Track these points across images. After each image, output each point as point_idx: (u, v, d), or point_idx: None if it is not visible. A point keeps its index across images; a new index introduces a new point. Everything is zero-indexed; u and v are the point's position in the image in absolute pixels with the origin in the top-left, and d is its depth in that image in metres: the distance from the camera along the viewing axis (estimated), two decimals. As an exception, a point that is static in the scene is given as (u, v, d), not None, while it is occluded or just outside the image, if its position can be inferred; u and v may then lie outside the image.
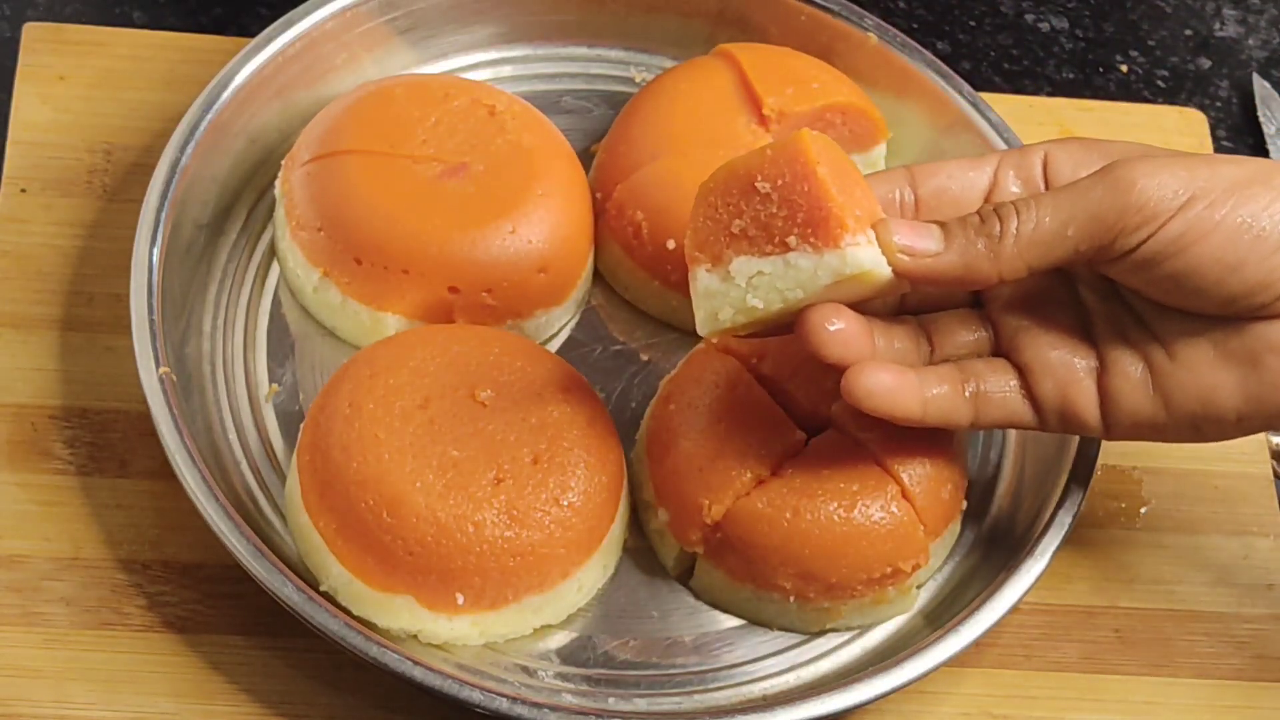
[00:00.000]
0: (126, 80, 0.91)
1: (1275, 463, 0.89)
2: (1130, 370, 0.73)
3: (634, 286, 0.88)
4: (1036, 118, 0.98)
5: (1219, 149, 1.02)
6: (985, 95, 0.93)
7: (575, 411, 0.78)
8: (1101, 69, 1.06)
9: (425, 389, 0.78)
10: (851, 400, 0.70)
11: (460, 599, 0.75)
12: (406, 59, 0.92)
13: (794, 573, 0.77)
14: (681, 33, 0.95)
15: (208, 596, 0.78)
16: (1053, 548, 0.78)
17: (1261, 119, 1.04)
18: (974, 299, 0.76)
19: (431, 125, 0.85)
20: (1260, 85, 1.06)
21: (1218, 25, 1.09)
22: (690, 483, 0.78)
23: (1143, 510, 0.87)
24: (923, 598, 0.81)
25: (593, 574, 0.79)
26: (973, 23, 1.07)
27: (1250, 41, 1.09)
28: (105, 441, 0.81)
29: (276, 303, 0.86)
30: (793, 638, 0.80)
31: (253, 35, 0.87)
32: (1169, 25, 1.09)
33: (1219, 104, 1.06)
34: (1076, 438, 0.81)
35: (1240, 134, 1.04)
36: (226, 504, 0.74)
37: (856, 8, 0.93)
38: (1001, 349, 0.75)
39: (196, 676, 0.76)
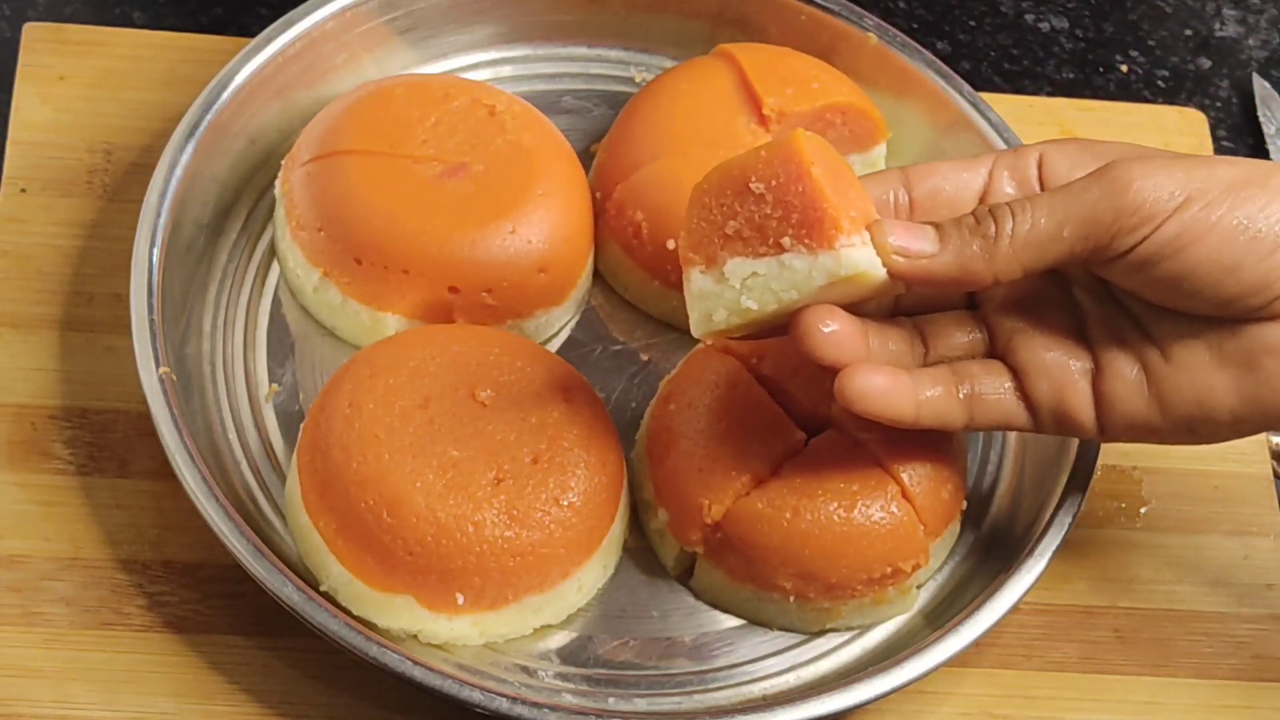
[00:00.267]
0: (126, 80, 0.91)
1: (1275, 463, 0.89)
2: (1126, 372, 0.72)
3: (634, 286, 0.88)
4: (1036, 118, 0.98)
5: (1219, 149, 1.02)
6: (985, 95, 0.93)
7: (575, 411, 0.78)
8: (1101, 69, 1.06)
9: (425, 389, 0.78)
10: (844, 402, 0.70)
11: (460, 599, 0.75)
12: (406, 59, 0.92)
13: (794, 573, 0.77)
14: (681, 33, 0.95)
15: (208, 596, 0.78)
16: (1053, 548, 0.78)
17: (1261, 119, 1.04)
18: (969, 300, 0.76)
19: (431, 125, 0.85)
20: (1260, 85, 1.06)
21: (1218, 25, 1.09)
22: (690, 483, 0.78)
23: (1143, 510, 0.87)
24: (923, 598, 0.81)
25: (593, 574, 0.79)
26: (973, 23, 1.07)
27: (1250, 41, 1.09)
28: (105, 441, 0.81)
29: (276, 303, 0.86)
30: (793, 638, 0.80)
31: (253, 35, 0.87)
32: (1169, 25, 1.09)
33: (1219, 104, 1.06)
34: (1077, 438, 0.81)
35: (1240, 134, 1.04)
36: (226, 504, 0.74)
37: (856, 8, 0.93)
38: (996, 351, 0.75)
39: (196, 676, 0.76)
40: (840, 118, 0.89)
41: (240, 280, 0.86)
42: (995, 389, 0.73)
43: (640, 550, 0.81)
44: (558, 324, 0.87)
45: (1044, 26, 1.08)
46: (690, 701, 0.77)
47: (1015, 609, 0.77)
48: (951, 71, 0.92)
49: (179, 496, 0.75)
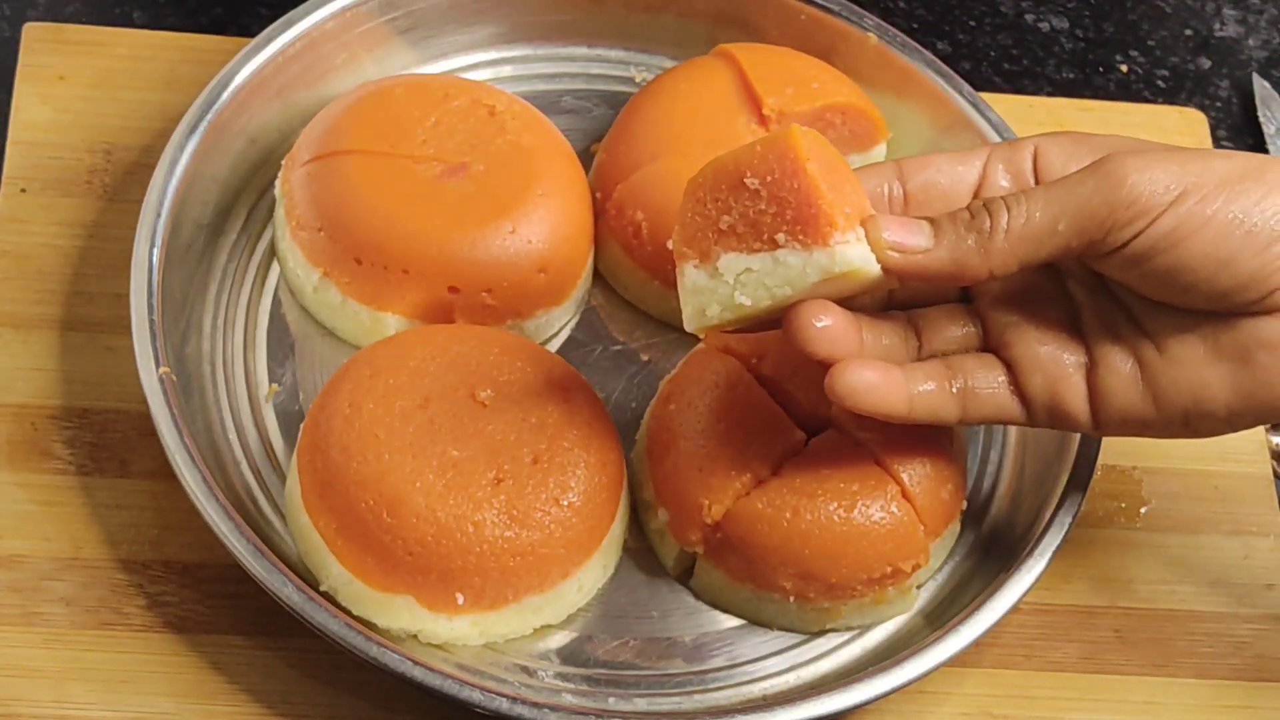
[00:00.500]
0: (126, 80, 0.91)
1: (1275, 463, 0.89)
2: (1120, 366, 0.72)
3: (634, 286, 0.88)
4: (1036, 118, 0.98)
5: (1219, 149, 1.02)
6: (985, 95, 0.93)
7: (575, 411, 0.78)
8: (1101, 69, 1.06)
9: (425, 389, 0.78)
10: (834, 398, 0.70)
11: (460, 599, 0.75)
12: (406, 59, 0.92)
13: (794, 573, 0.77)
14: (681, 33, 0.95)
15: (208, 596, 0.78)
16: (1053, 548, 0.78)
17: (1261, 119, 1.04)
18: (963, 294, 0.76)
19: (431, 125, 0.85)
20: (1260, 85, 1.06)
21: (1218, 25, 1.09)
22: (690, 483, 0.78)
23: (1143, 510, 0.87)
24: (923, 598, 0.81)
25: (593, 574, 0.79)
26: (973, 23, 1.07)
27: (1250, 41, 1.09)
28: (105, 441, 0.81)
29: (276, 303, 0.86)
30: (793, 638, 0.80)
31: (253, 35, 0.87)
32: (1169, 25, 1.09)
33: (1219, 104, 1.06)
34: (1077, 437, 0.81)
35: (1240, 134, 1.04)
36: (226, 504, 0.74)
37: (856, 8, 0.93)
38: (990, 344, 0.74)
39: (196, 676, 0.76)
40: (840, 118, 0.89)
41: (240, 280, 0.86)
42: (989, 383, 0.73)
43: (640, 550, 0.81)
44: (558, 324, 0.87)
45: (1044, 26, 1.08)
46: (690, 701, 0.77)
47: (1015, 609, 0.77)
48: (951, 71, 0.92)
49: (179, 496, 0.75)
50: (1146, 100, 1.05)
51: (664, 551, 0.81)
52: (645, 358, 0.87)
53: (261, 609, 0.76)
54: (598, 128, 0.93)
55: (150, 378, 0.77)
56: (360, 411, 0.76)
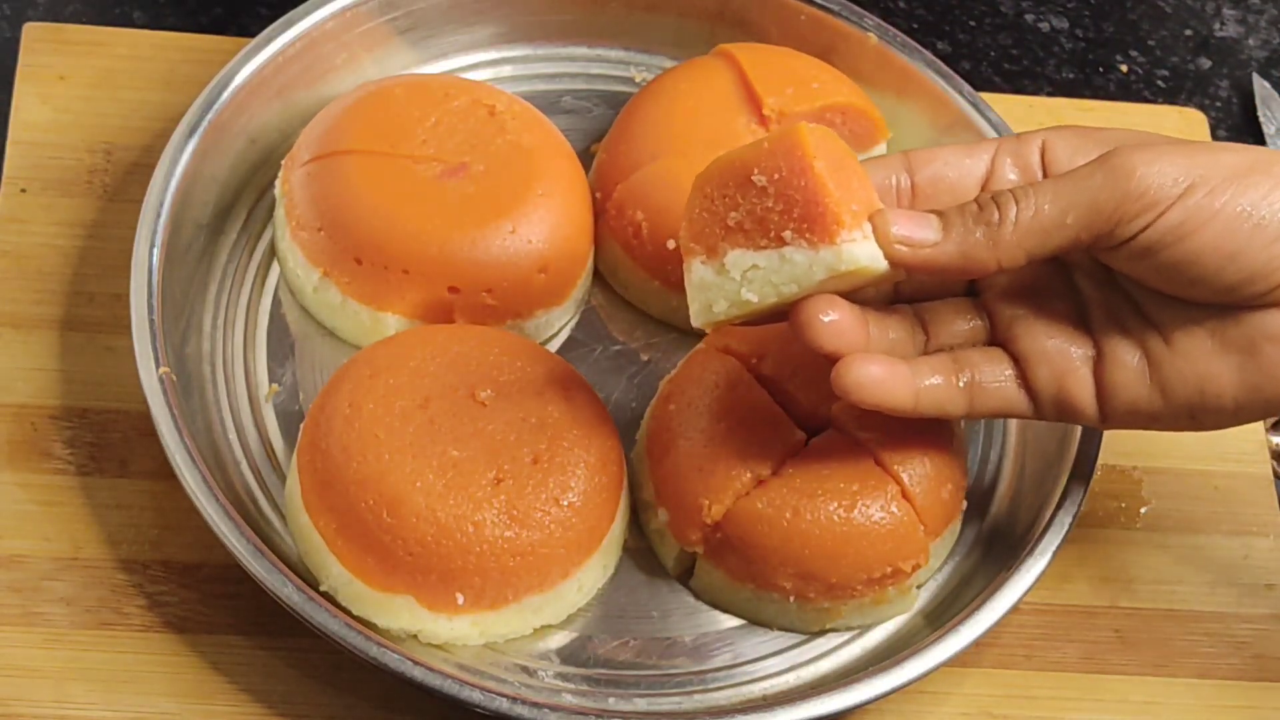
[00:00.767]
0: (126, 80, 0.91)
1: (1275, 463, 0.89)
2: (1127, 359, 0.72)
3: (634, 286, 0.88)
4: (1036, 118, 0.98)
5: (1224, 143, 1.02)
6: (985, 95, 0.93)
7: (575, 411, 0.78)
8: (1101, 69, 1.06)
9: (425, 389, 0.78)
10: (841, 393, 0.70)
11: (460, 599, 0.75)
12: (406, 59, 0.92)
13: (794, 573, 0.77)
14: (681, 33, 0.95)
15: (208, 596, 0.78)
16: (1053, 547, 0.78)
17: (1261, 119, 1.04)
18: (969, 288, 0.76)
19: (431, 125, 0.85)
20: (1260, 85, 1.06)
21: (1218, 25, 1.09)
22: (690, 483, 0.78)
23: (1143, 510, 0.87)
24: (923, 598, 0.81)
25: (593, 574, 0.79)
26: (973, 23, 1.07)
27: (1250, 41, 1.09)
28: (105, 441, 0.81)
29: (276, 303, 0.86)
30: (793, 638, 0.80)
31: (253, 35, 0.87)
32: (1169, 25, 1.09)
33: (1219, 104, 1.06)
34: (1077, 437, 0.81)
35: (1240, 134, 1.04)
36: (226, 504, 0.74)
37: (856, 8, 0.93)
38: (997, 338, 0.74)
39: (196, 676, 0.76)
40: (840, 118, 0.89)
41: (240, 280, 0.86)
42: (996, 377, 0.73)
43: (640, 550, 0.81)
44: (558, 324, 0.87)
45: (1044, 26, 1.08)
46: (690, 701, 0.77)
47: (1015, 609, 0.77)
48: (951, 71, 0.92)
49: (179, 496, 0.75)
50: (1146, 100, 1.05)
51: (664, 551, 0.81)
52: (645, 358, 0.87)
53: (261, 609, 0.76)
54: (598, 128, 0.93)
55: (150, 378, 0.77)
56: (360, 411, 0.76)
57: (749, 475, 0.77)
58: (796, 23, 0.93)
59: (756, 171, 0.69)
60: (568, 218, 0.85)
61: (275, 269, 0.86)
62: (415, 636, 0.76)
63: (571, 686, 0.77)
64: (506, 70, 0.94)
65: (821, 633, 0.80)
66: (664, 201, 0.84)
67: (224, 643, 0.77)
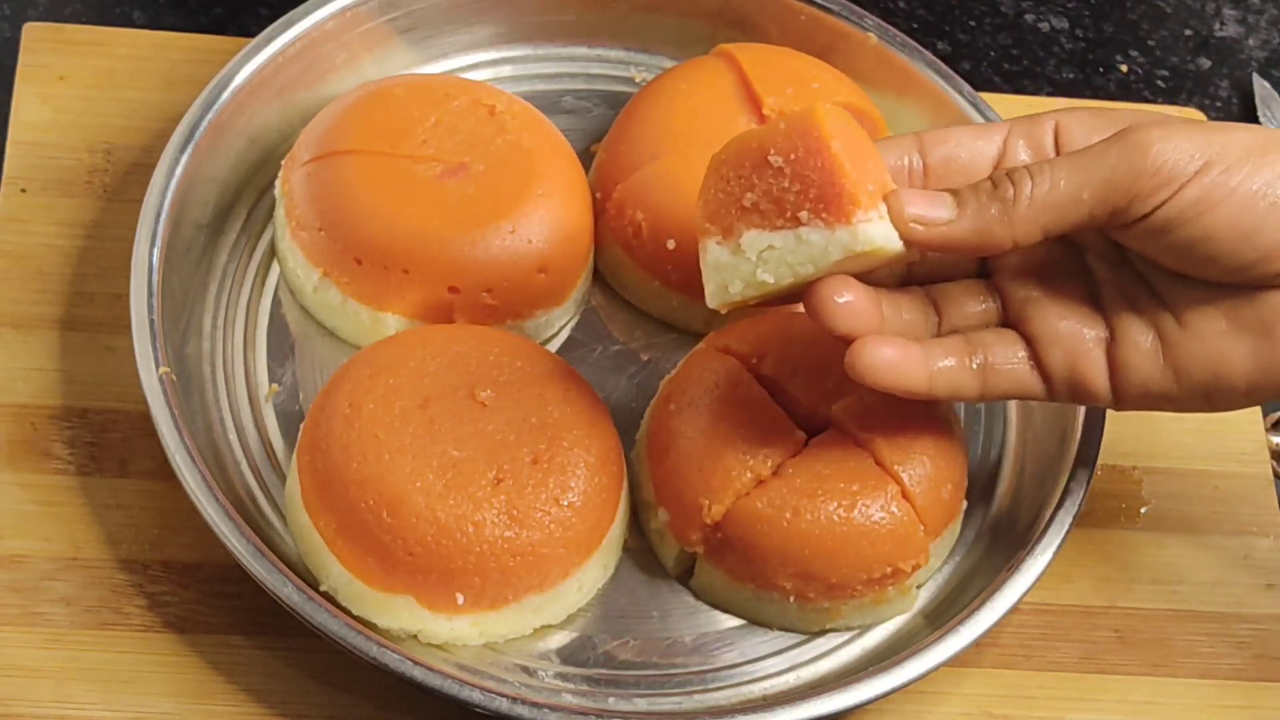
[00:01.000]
0: (126, 80, 0.91)
1: (1275, 463, 0.89)
2: (1140, 340, 0.72)
3: (634, 286, 0.88)
4: (1036, 118, 0.98)
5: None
6: (985, 95, 0.93)
7: (575, 411, 0.78)
8: (1101, 69, 1.06)
9: (425, 389, 0.78)
10: (854, 376, 0.70)
11: (460, 599, 0.75)
12: (406, 59, 0.92)
13: (794, 573, 0.77)
14: (681, 33, 0.95)
15: (208, 596, 0.78)
16: (1053, 547, 0.78)
17: (1261, 119, 1.04)
18: (981, 269, 0.76)
19: (431, 125, 0.85)
20: (1260, 85, 1.06)
21: (1218, 25, 1.09)
22: (690, 483, 0.78)
23: (1143, 510, 0.87)
24: (923, 598, 0.81)
25: (593, 574, 0.79)
26: (973, 23, 1.07)
27: (1250, 41, 1.09)
28: (105, 441, 0.81)
29: (276, 303, 0.86)
30: (793, 638, 0.80)
31: (253, 35, 0.87)
32: (1169, 25, 1.09)
33: (1219, 104, 1.06)
34: (1077, 436, 0.81)
35: (1240, 134, 1.04)
36: (226, 504, 0.74)
37: (856, 8, 0.93)
38: (1010, 319, 0.74)
39: (196, 676, 0.76)
40: (840, 118, 0.89)
41: (240, 280, 0.86)
42: (1008, 358, 0.73)
43: (640, 550, 0.81)
44: (558, 324, 0.87)
45: (1044, 26, 1.08)
46: (690, 701, 0.77)
47: (1015, 609, 0.77)
48: (951, 71, 0.92)
49: (179, 496, 0.75)
50: (1146, 100, 1.05)
51: (664, 551, 0.81)
52: (645, 358, 0.87)
53: (261, 609, 0.76)
54: (598, 128, 0.93)
55: (150, 378, 0.77)
56: (360, 411, 0.76)
57: (749, 475, 0.77)
58: (796, 23, 0.93)
59: (773, 152, 0.69)
60: (568, 218, 0.85)
61: (275, 269, 0.86)
62: (415, 636, 0.76)
63: (571, 686, 0.77)
64: (506, 70, 0.94)
65: (821, 633, 0.80)
66: (664, 201, 0.84)
67: (224, 643, 0.77)
